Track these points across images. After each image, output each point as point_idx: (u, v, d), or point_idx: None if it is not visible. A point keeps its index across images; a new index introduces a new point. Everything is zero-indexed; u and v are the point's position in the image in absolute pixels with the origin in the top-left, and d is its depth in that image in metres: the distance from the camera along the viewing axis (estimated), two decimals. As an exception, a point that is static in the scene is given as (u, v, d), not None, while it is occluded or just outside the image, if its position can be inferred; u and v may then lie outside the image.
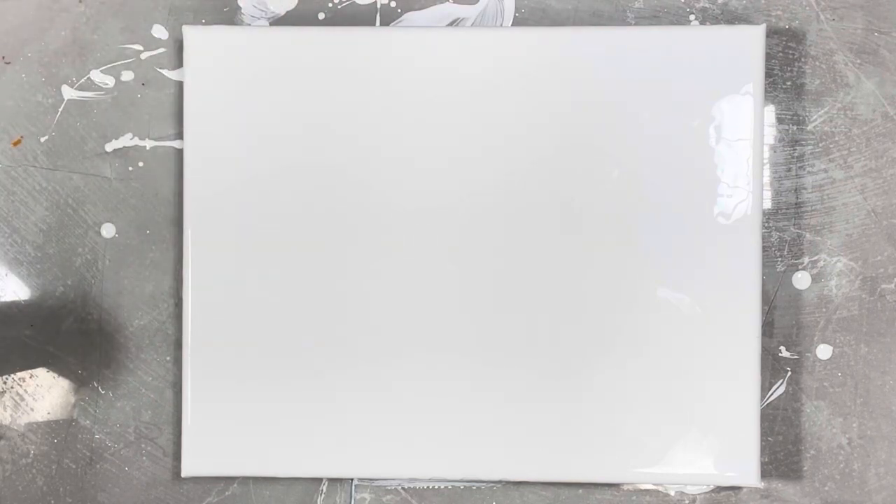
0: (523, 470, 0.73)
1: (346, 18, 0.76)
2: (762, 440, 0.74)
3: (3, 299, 0.78)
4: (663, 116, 0.72)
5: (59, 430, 0.77)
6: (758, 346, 0.72)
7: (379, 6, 0.76)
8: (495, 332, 0.73)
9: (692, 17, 0.75)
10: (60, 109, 0.77)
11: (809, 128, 0.75)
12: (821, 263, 0.75)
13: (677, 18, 0.75)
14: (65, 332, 0.77)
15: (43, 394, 0.77)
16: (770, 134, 0.75)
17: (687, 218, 0.72)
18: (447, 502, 0.76)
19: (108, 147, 0.77)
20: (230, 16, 0.77)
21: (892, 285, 0.75)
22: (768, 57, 0.74)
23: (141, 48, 0.77)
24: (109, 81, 0.77)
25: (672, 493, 0.75)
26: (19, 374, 0.77)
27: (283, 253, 0.74)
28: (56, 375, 0.77)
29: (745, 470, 0.72)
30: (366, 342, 0.74)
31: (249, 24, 0.77)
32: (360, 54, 0.73)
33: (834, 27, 0.75)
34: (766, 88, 0.74)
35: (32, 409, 0.77)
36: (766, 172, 0.75)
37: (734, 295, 0.72)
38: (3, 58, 0.77)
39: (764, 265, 0.74)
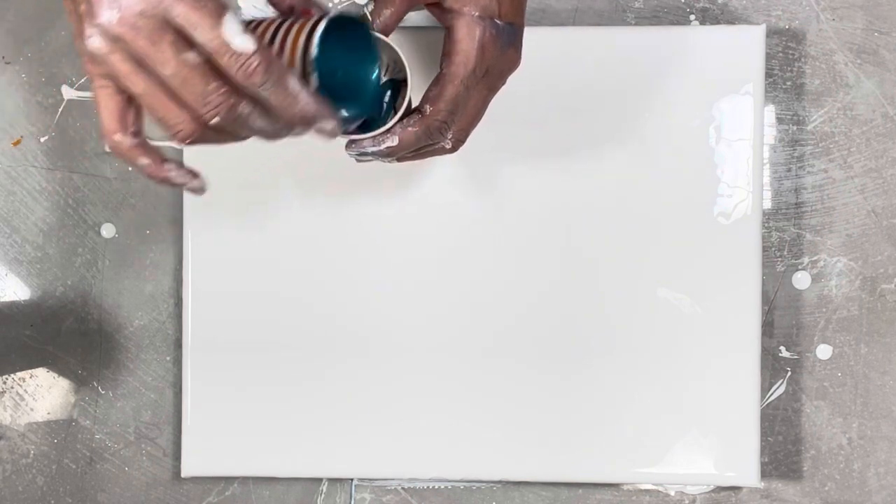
0: (523, 470, 0.73)
1: (346, 18, 0.76)
2: (762, 440, 0.74)
3: (3, 299, 0.78)
4: (663, 116, 0.72)
5: (59, 430, 0.77)
6: (758, 346, 0.72)
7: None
8: (495, 333, 0.73)
9: (692, 17, 0.75)
10: (60, 109, 0.77)
11: (809, 128, 0.75)
12: (821, 263, 0.75)
13: (677, 18, 0.75)
14: (65, 332, 0.77)
15: (43, 394, 0.77)
16: (770, 134, 0.75)
17: (687, 218, 0.72)
18: (447, 502, 0.76)
19: (109, 147, 0.77)
20: (230, 16, 0.77)
21: (892, 285, 0.75)
22: (768, 57, 0.74)
23: (141, 48, 0.77)
24: (109, 81, 0.77)
25: (672, 493, 0.75)
26: (19, 374, 0.77)
27: (284, 253, 0.74)
28: (56, 375, 0.77)
29: (745, 470, 0.72)
30: (366, 343, 0.74)
31: (249, 24, 0.76)
32: (360, 54, 0.73)
33: (834, 27, 0.75)
34: (766, 88, 0.74)
35: (32, 409, 0.77)
36: (766, 172, 0.75)
37: (734, 295, 0.72)
38: (3, 58, 0.77)
39: (764, 265, 0.74)
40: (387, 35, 0.61)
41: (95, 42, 0.49)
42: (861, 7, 0.75)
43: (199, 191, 0.56)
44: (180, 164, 0.55)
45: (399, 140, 0.61)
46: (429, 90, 0.60)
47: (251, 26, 0.55)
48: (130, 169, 0.77)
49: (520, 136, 0.73)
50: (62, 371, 0.77)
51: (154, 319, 0.77)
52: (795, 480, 0.75)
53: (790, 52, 0.75)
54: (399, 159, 0.63)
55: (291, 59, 0.53)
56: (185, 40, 0.48)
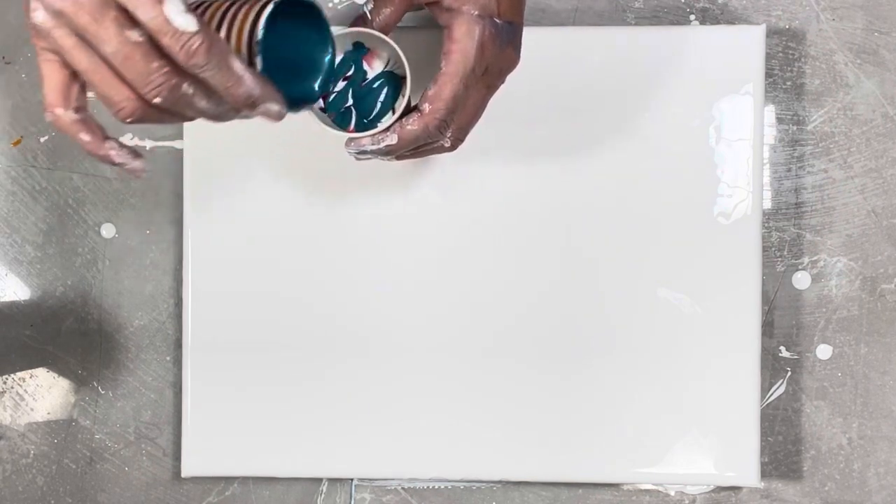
0: (523, 470, 0.73)
1: (346, 18, 0.76)
2: (762, 440, 0.74)
3: (3, 299, 0.78)
4: (663, 116, 0.72)
5: (59, 430, 0.77)
6: (758, 346, 0.72)
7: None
8: (495, 333, 0.73)
9: (692, 17, 0.75)
10: (60, 109, 0.77)
11: (809, 128, 0.75)
12: (821, 263, 0.75)
13: (677, 18, 0.75)
14: (65, 332, 0.77)
15: (43, 394, 0.77)
16: (770, 134, 0.75)
17: (687, 218, 0.72)
18: (447, 502, 0.76)
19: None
20: (230, 16, 0.77)
21: (892, 285, 0.75)
22: (768, 57, 0.74)
23: (141, 48, 0.77)
24: (109, 81, 0.77)
25: (672, 493, 0.75)
26: (19, 374, 0.77)
27: (284, 253, 0.74)
28: (56, 375, 0.77)
29: (745, 470, 0.72)
30: (366, 343, 0.74)
31: (249, 24, 0.76)
32: (360, 54, 0.73)
33: (834, 27, 0.75)
34: (766, 88, 0.74)
35: (32, 409, 0.77)
36: (766, 172, 0.75)
37: (734, 295, 0.72)
38: (3, 58, 0.77)
39: (764, 265, 0.74)
40: (386, 34, 0.61)
41: (39, 16, 0.49)
42: (861, 7, 0.75)
43: (140, 172, 0.55)
44: (122, 144, 0.54)
45: (398, 139, 0.61)
46: (428, 89, 0.60)
47: (198, 8, 0.55)
48: (130, 169, 0.77)
49: (520, 136, 0.73)
50: (62, 371, 0.77)
51: (154, 319, 0.77)
52: (795, 480, 0.75)
53: (790, 52, 0.75)
54: (398, 158, 0.63)
55: (238, 41, 0.53)
56: (128, 18, 0.48)
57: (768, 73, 0.74)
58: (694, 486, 0.75)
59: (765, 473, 0.74)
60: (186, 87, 0.50)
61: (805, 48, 0.75)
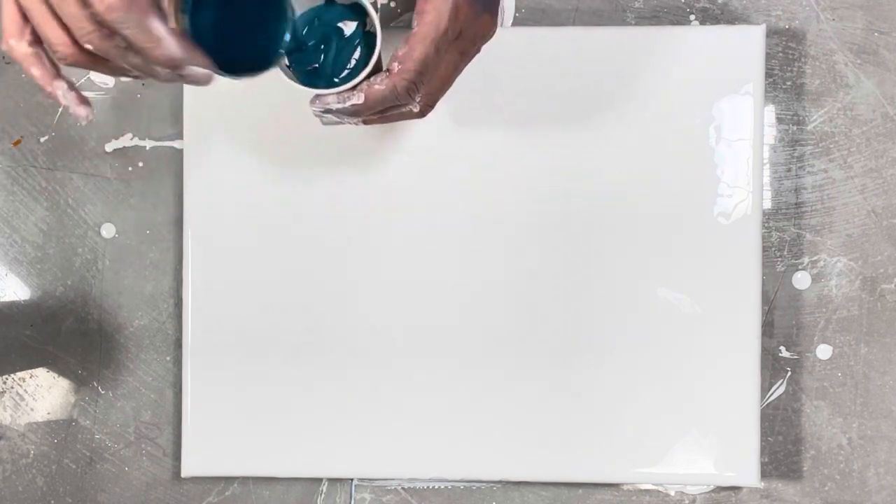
0: (523, 470, 0.73)
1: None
2: (762, 440, 0.74)
3: (3, 299, 0.78)
4: (663, 116, 0.72)
5: (59, 430, 0.77)
6: (758, 346, 0.72)
7: (379, 6, 0.76)
8: (495, 334, 0.73)
9: (692, 17, 0.75)
10: (60, 109, 0.77)
11: (809, 128, 0.75)
12: (821, 263, 0.75)
13: (677, 18, 0.75)
14: (65, 332, 0.77)
15: (43, 394, 0.77)
16: (770, 134, 0.75)
17: (687, 218, 0.72)
18: (447, 502, 0.76)
19: (108, 147, 0.77)
20: (230, 16, 0.77)
21: (892, 285, 0.75)
22: (768, 57, 0.74)
23: (141, 48, 0.77)
24: (109, 81, 0.77)
25: (672, 493, 0.75)
26: (19, 374, 0.77)
27: (284, 252, 0.74)
28: (56, 375, 0.77)
29: (745, 470, 0.72)
30: (366, 343, 0.74)
31: (249, 24, 0.76)
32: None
33: (834, 27, 0.75)
34: (766, 88, 0.74)
35: (32, 409, 0.77)
36: (766, 172, 0.75)
37: (734, 295, 0.72)
38: (3, 58, 0.77)
39: (764, 265, 0.74)
40: None
41: None
42: (861, 7, 0.75)
43: (83, 118, 0.56)
44: (72, 86, 0.55)
45: (365, 98, 0.59)
46: (398, 49, 0.58)
47: None
48: (130, 169, 0.77)
49: (520, 136, 0.73)
50: (62, 371, 0.77)
51: (154, 319, 0.77)
52: (795, 480, 0.75)
53: (790, 52, 0.75)
54: (365, 122, 0.62)
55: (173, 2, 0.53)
56: None
57: (768, 73, 0.74)
58: (694, 486, 0.75)
59: (765, 473, 0.74)
60: (119, 41, 0.50)
61: (805, 48, 0.75)
